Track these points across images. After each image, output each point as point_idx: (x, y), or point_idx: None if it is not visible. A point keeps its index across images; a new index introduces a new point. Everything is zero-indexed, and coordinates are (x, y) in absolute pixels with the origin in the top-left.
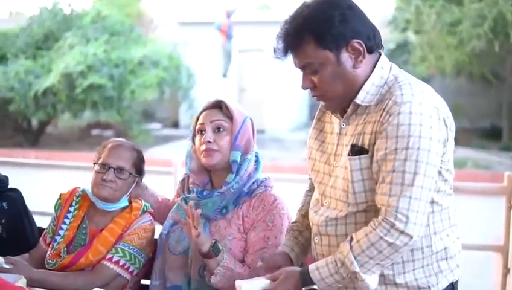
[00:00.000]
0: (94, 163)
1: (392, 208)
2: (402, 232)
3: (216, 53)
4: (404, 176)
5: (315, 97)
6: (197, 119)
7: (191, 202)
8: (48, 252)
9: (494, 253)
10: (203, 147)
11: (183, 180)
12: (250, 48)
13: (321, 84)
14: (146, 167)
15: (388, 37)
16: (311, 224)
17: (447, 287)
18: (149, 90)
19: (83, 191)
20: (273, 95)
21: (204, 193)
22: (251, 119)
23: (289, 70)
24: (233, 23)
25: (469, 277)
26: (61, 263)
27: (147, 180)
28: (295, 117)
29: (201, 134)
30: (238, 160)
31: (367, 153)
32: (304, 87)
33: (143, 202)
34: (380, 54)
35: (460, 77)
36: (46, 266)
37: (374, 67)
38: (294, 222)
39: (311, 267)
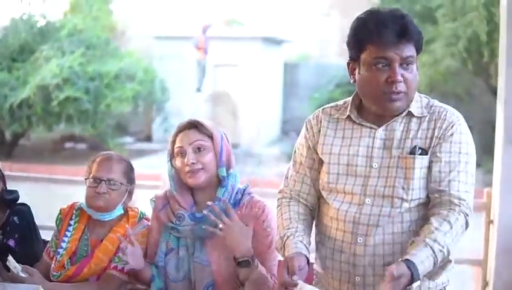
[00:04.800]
0: (86, 178)
1: (464, 201)
2: (467, 223)
3: (191, 67)
4: (467, 175)
5: (395, 94)
6: (173, 141)
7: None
8: (52, 265)
9: (474, 267)
10: (187, 168)
11: (162, 209)
12: (225, 63)
13: (411, 79)
14: None
15: None
16: (350, 225)
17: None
18: (124, 103)
19: (82, 204)
20: (247, 109)
21: (197, 215)
22: (224, 134)
23: (262, 86)
24: (208, 38)
25: None
26: (66, 274)
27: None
28: (268, 132)
29: (182, 156)
30: (226, 175)
31: (426, 154)
32: (398, 79)
33: (139, 209)
34: None
35: (434, 95)
36: (51, 278)
37: None
38: (293, 228)
39: (415, 259)
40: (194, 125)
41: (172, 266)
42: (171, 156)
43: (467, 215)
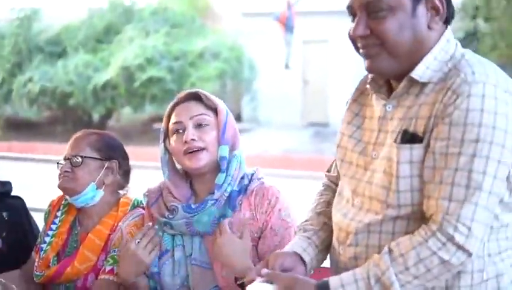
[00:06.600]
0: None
1: (452, 217)
2: (460, 247)
3: (279, 44)
4: (470, 176)
5: (364, 49)
6: (169, 116)
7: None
8: (36, 263)
9: None
10: (185, 147)
11: (155, 203)
12: (315, 39)
13: (382, 31)
14: None
15: (457, 25)
16: (337, 229)
17: None
18: (209, 82)
19: None
20: (337, 87)
21: (193, 206)
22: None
23: (354, 62)
24: (294, 13)
25: None
26: (47, 275)
27: None
28: None
29: (179, 133)
30: (227, 156)
31: (421, 142)
32: (357, 34)
33: (133, 197)
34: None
35: None
36: (35, 279)
37: (439, 40)
38: (306, 221)
39: (334, 282)
40: (195, 97)
41: (168, 272)
42: (165, 136)
43: (451, 238)
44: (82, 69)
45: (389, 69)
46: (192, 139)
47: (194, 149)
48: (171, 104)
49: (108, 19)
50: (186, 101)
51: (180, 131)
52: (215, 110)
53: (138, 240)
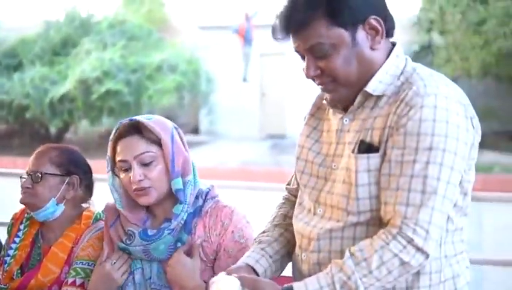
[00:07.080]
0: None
1: (410, 220)
2: (419, 249)
3: (237, 57)
4: (425, 181)
5: (321, 86)
6: (114, 148)
7: None
8: (0, 276)
9: None
10: (134, 186)
11: (112, 225)
12: (272, 52)
13: (331, 69)
14: None
15: (413, 39)
16: (299, 237)
17: None
18: (167, 95)
19: None
20: (294, 99)
21: (150, 233)
22: (176, 128)
23: None
24: (252, 26)
25: None
26: (11, 288)
27: None
28: None
29: (126, 171)
30: (182, 186)
31: (377, 152)
32: (311, 75)
33: (96, 210)
34: (394, 44)
35: (487, 78)
36: None
37: (388, 55)
38: (263, 232)
39: (298, 287)
40: (136, 130)
41: None
42: (113, 165)
43: (411, 241)
44: (39, 82)
45: (349, 96)
46: (140, 181)
47: (142, 189)
48: (114, 135)
49: (65, 32)
50: (128, 135)
51: (127, 169)
52: (158, 142)
53: (114, 261)
